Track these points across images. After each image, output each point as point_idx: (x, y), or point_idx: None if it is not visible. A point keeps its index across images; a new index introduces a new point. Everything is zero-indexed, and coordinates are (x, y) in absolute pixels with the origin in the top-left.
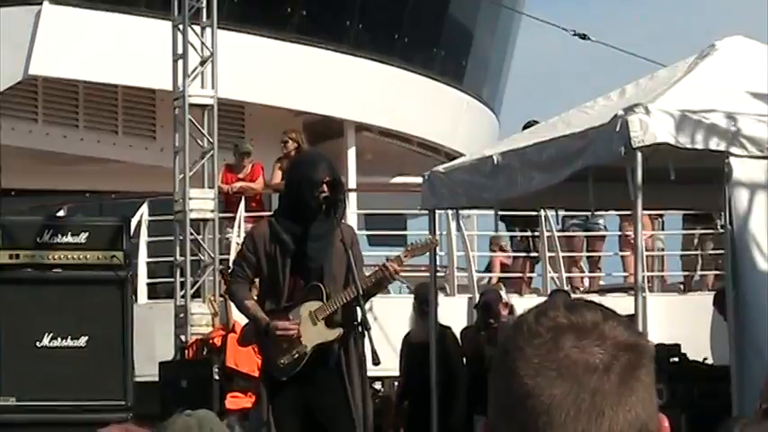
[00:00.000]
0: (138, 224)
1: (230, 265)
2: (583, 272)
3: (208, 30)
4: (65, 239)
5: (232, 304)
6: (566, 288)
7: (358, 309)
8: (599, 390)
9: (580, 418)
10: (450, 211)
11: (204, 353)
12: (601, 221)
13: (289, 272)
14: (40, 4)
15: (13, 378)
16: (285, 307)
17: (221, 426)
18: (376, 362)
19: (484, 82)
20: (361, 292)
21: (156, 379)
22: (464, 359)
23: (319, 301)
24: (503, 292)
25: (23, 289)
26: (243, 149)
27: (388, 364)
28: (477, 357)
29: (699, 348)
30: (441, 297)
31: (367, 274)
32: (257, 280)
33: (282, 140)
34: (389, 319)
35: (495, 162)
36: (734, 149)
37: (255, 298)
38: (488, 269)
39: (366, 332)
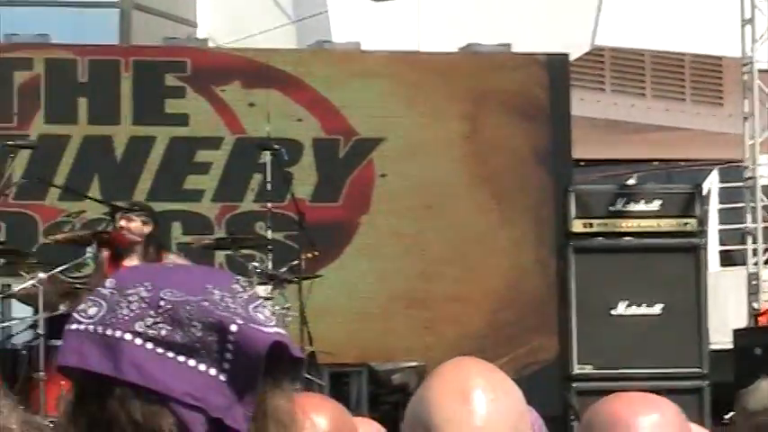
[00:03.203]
0: (708, 192)
1: None
2: None
3: None
4: (637, 207)
5: None
6: None
7: None
8: None
9: None
10: None
11: None
12: None
13: None
14: None
15: (589, 346)
16: None
17: None
18: None
19: None
20: None
21: (730, 347)
22: None
23: None
24: None
25: (596, 257)
26: None
27: None
28: None
29: None
30: None
31: None
32: None
33: None
34: None
35: None
36: None
37: None
38: None
39: None
